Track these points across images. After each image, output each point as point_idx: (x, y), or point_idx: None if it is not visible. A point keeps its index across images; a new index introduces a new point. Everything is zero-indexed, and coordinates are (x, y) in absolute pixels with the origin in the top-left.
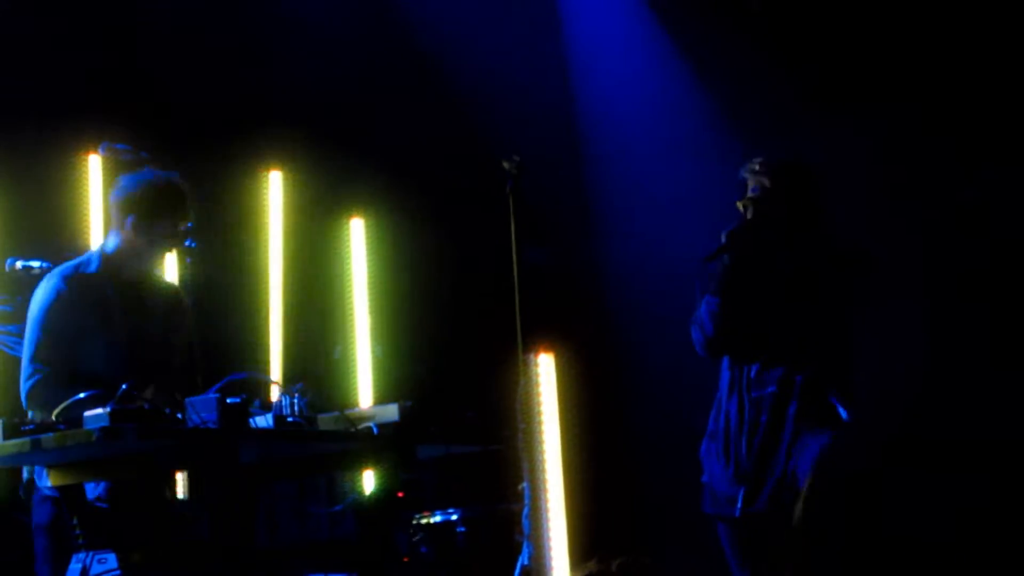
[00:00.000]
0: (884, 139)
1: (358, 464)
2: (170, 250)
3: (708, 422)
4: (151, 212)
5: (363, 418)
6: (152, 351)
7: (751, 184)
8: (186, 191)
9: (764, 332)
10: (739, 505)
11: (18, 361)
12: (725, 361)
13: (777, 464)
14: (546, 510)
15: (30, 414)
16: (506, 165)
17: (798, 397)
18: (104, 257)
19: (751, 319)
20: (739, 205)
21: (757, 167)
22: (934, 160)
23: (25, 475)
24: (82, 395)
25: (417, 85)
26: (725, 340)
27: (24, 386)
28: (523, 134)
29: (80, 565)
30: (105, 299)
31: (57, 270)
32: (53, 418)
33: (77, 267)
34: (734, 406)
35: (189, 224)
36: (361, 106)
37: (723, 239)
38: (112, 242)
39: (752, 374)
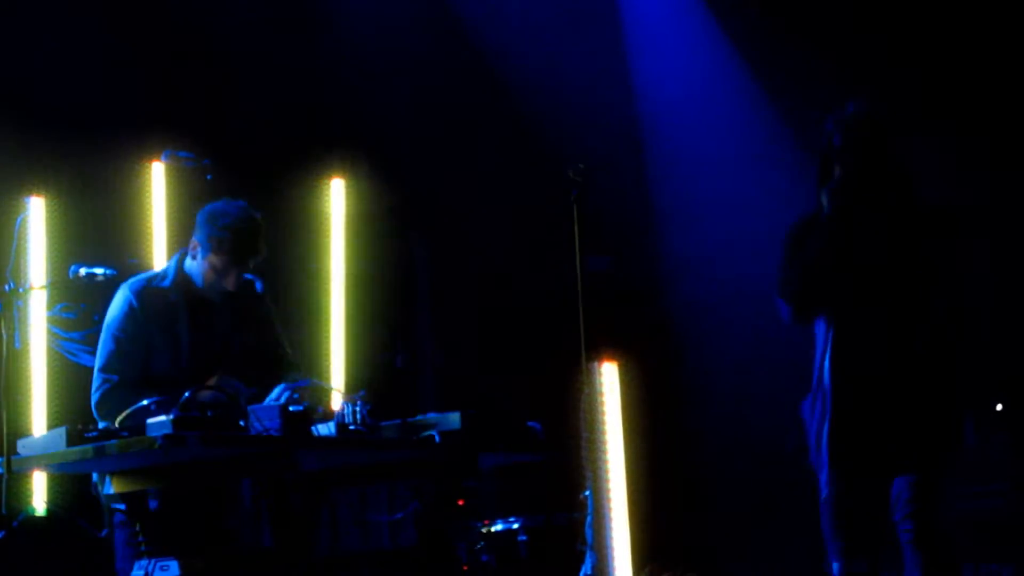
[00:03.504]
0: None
1: (420, 472)
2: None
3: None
4: (231, 253)
5: (425, 426)
6: (219, 359)
7: (839, 139)
8: (262, 231)
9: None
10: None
11: (82, 368)
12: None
13: None
14: (609, 519)
15: (100, 424)
16: (571, 174)
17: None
18: (180, 273)
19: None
20: (822, 158)
21: (850, 120)
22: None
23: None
24: (145, 401)
25: (481, 95)
26: (816, 302)
27: (94, 396)
28: (586, 143)
29: (142, 572)
30: (174, 313)
31: (129, 282)
32: (116, 425)
33: (151, 280)
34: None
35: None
36: (425, 116)
37: (823, 198)
38: (190, 263)
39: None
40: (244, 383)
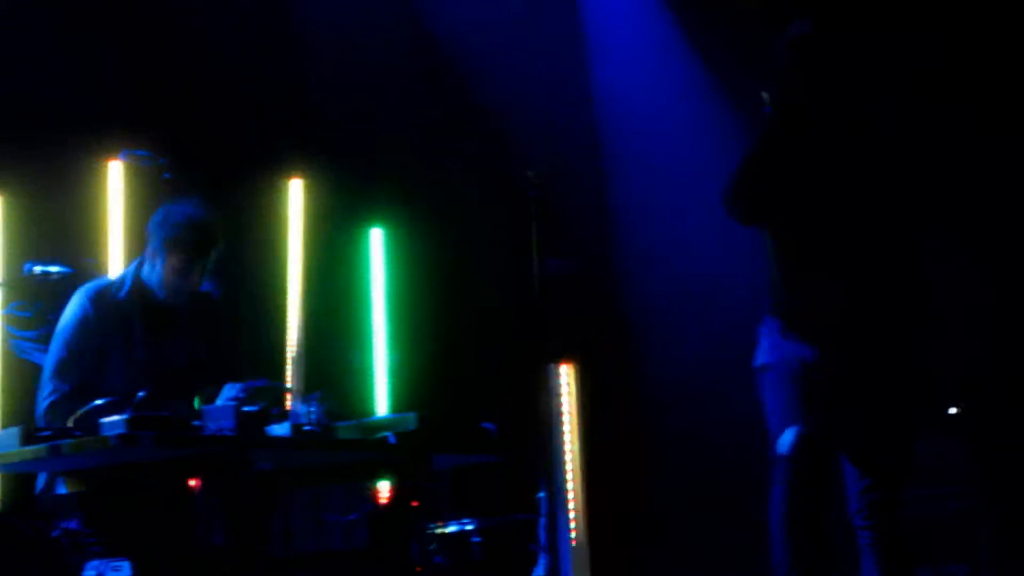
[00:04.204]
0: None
1: (374, 473)
2: (198, 281)
3: None
4: (192, 250)
5: (380, 427)
6: (174, 374)
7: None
8: (219, 228)
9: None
10: None
11: (36, 368)
12: None
13: None
14: (563, 520)
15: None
16: (529, 175)
17: None
18: (136, 282)
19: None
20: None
21: (796, 37)
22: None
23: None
24: (99, 401)
25: (440, 95)
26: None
27: (42, 404)
28: (545, 144)
29: (94, 573)
30: (129, 322)
31: (85, 289)
32: (70, 425)
33: (108, 288)
34: None
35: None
36: (384, 115)
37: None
38: (146, 270)
39: None
40: (198, 395)
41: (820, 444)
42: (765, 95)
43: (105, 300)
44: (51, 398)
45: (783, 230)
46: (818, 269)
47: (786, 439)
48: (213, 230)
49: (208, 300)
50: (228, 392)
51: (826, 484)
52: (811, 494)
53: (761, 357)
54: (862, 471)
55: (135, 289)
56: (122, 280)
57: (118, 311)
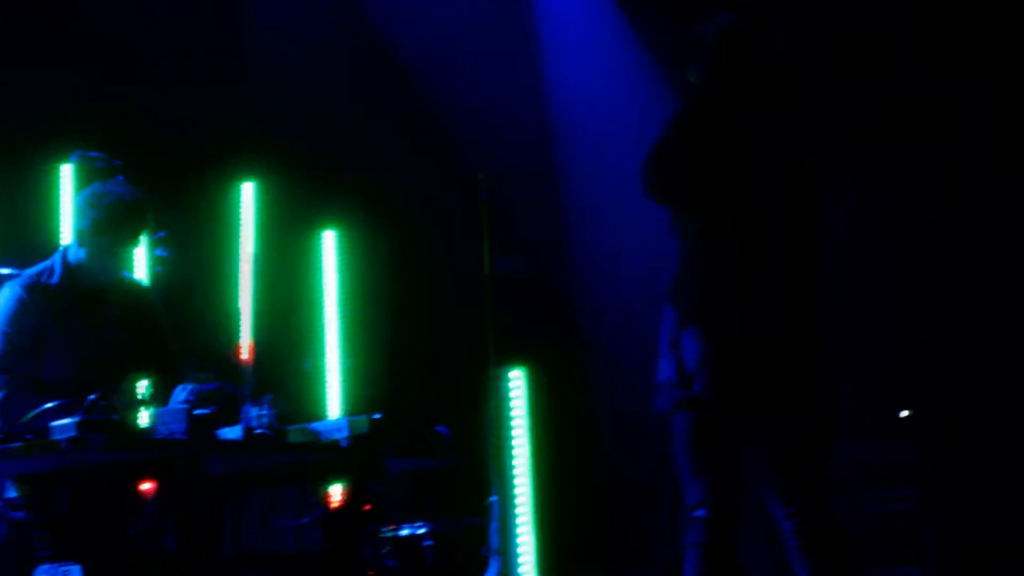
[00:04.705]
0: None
1: (326, 476)
2: (130, 262)
3: None
4: (112, 231)
5: (332, 430)
6: (112, 360)
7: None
8: (148, 206)
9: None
10: None
11: None
12: None
13: None
14: (514, 524)
15: None
16: (479, 176)
17: None
18: (66, 266)
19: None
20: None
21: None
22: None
23: None
24: (50, 404)
25: (391, 97)
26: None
27: None
28: (496, 146)
29: None
30: (65, 309)
31: (18, 278)
32: (19, 427)
33: (40, 275)
34: None
35: (160, 234)
36: (335, 118)
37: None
38: (74, 252)
39: None
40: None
41: (732, 501)
42: (692, 76)
43: (39, 288)
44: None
45: (692, 216)
46: (722, 262)
47: (697, 497)
48: (140, 209)
49: (141, 290)
50: (179, 395)
51: (736, 542)
52: (726, 559)
53: (664, 388)
54: (779, 496)
55: (66, 274)
56: (51, 266)
57: (54, 300)
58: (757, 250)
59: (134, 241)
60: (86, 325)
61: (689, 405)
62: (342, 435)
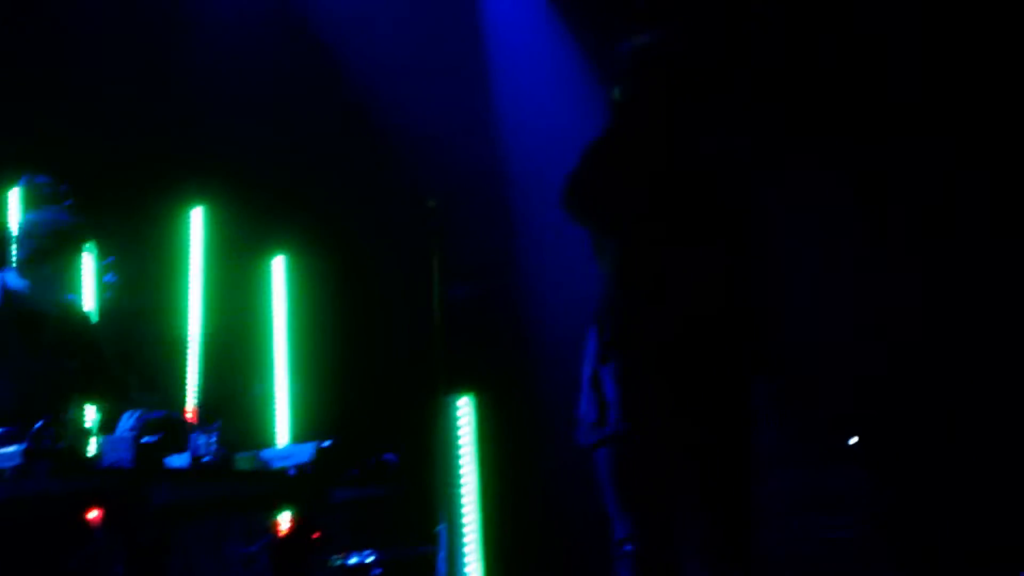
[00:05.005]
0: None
1: (274, 505)
2: (77, 285)
3: None
4: (49, 258)
5: (280, 458)
6: (55, 386)
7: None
8: (86, 232)
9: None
10: None
11: None
12: None
13: None
14: (462, 553)
15: None
16: (429, 203)
17: None
18: (5, 293)
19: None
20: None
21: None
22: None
23: None
24: None
25: (341, 122)
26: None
27: None
28: (447, 171)
29: None
30: (4, 336)
31: None
32: None
33: None
34: None
35: (109, 259)
36: (285, 143)
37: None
38: (13, 279)
39: None
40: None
41: (660, 534)
42: (616, 93)
43: None
44: None
45: (610, 237)
46: (638, 292)
47: (624, 531)
48: (77, 237)
49: (83, 315)
50: (125, 423)
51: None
52: None
53: (583, 423)
54: (705, 528)
55: (5, 301)
56: None
57: None
58: (676, 276)
59: (72, 268)
60: (27, 352)
61: (607, 441)
62: (291, 463)
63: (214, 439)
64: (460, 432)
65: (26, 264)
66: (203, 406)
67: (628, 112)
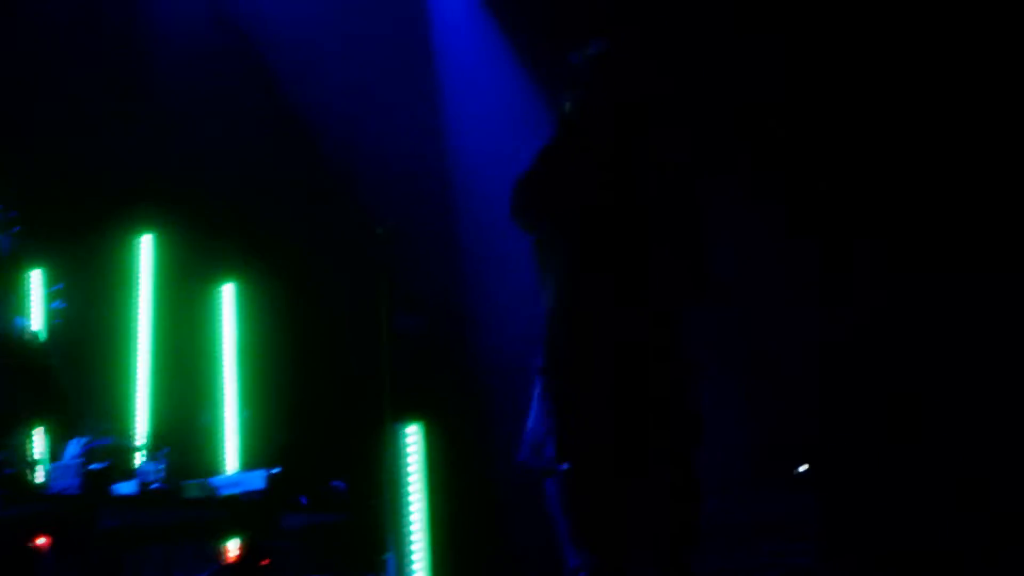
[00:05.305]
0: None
1: (223, 531)
2: (25, 309)
3: None
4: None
5: (229, 485)
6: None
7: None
8: (25, 258)
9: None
10: None
11: None
12: None
13: None
14: None
15: None
16: (378, 231)
17: None
18: None
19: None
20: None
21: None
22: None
23: None
24: None
25: (290, 149)
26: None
27: None
28: (397, 199)
29: None
30: None
31: None
32: None
33: None
34: None
35: (57, 286)
36: (234, 171)
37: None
38: None
39: None
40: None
41: (611, 561)
42: (564, 105)
43: None
44: None
45: (553, 252)
46: (577, 319)
47: (576, 560)
48: (14, 263)
49: (31, 337)
50: (73, 449)
51: None
52: None
53: (531, 450)
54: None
55: None
56: None
57: None
58: (618, 296)
59: (12, 293)
60: None
61: (552, 471)
62: (240, 490)
63: (162, 466)
64: (408, 460)
65: None
66: (152, 433)
67: (576, 126)
